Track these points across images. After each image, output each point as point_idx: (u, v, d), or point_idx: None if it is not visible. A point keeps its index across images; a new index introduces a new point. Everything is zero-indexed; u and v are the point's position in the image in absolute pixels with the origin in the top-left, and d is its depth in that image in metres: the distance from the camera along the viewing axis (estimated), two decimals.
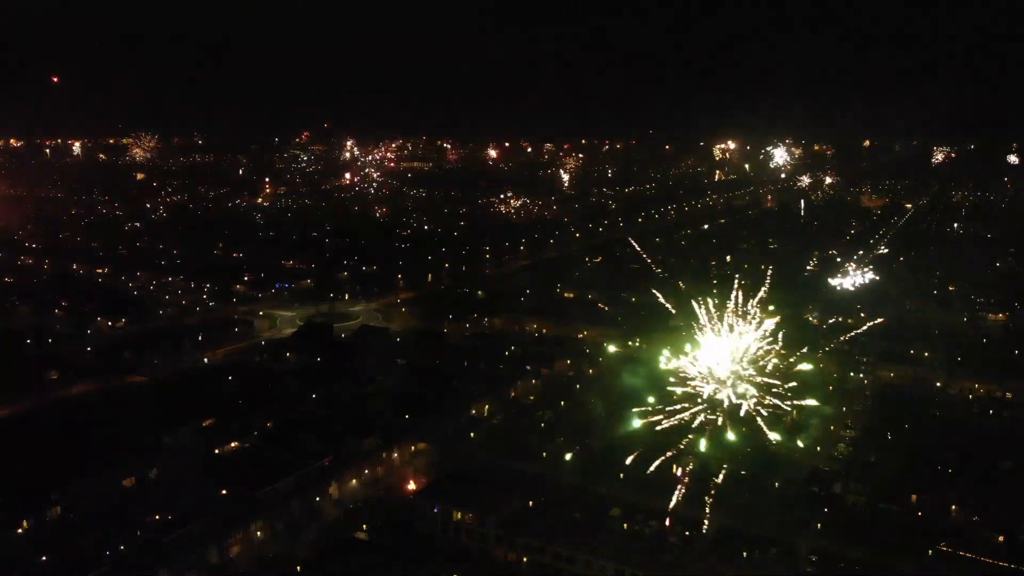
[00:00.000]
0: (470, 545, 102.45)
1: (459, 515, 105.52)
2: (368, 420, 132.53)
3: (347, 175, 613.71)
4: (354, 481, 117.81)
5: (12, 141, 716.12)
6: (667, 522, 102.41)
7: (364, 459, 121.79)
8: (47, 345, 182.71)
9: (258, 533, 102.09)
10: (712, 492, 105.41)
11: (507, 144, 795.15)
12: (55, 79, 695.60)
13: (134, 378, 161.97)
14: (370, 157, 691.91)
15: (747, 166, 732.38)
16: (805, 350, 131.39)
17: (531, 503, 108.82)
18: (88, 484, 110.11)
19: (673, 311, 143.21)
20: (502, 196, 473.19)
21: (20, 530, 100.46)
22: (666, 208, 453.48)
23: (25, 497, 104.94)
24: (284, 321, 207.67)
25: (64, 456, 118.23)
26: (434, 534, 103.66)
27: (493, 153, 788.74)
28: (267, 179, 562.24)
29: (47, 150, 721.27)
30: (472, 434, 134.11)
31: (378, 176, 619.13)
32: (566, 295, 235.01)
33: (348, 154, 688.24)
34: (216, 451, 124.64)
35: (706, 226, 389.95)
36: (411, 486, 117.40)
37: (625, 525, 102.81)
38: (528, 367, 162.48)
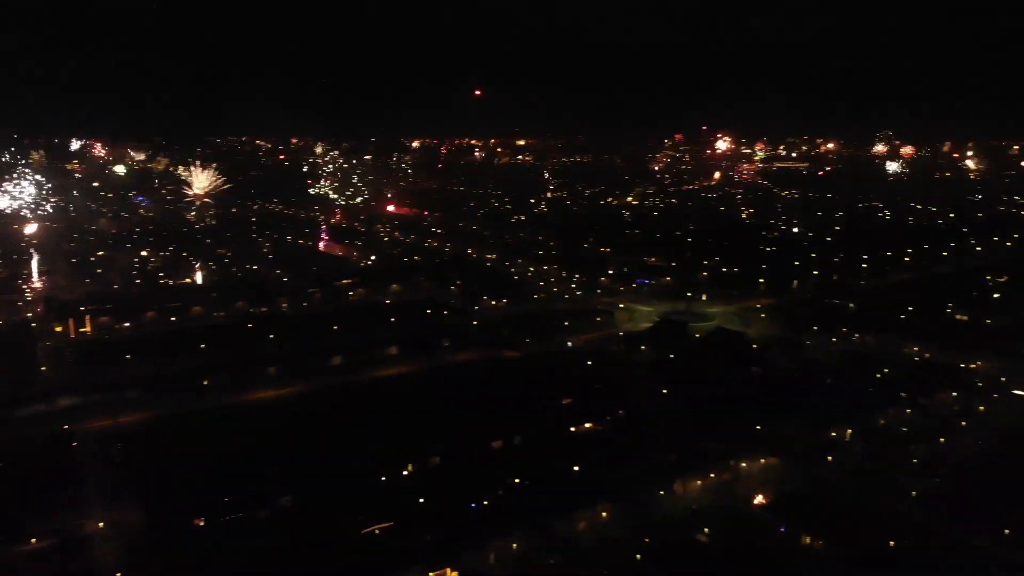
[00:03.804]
0: (814, 573, 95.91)
1: (807, 539, 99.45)
2: (717, 424, 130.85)
3: (716, 175, 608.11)
4: (699, 482, 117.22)
5: (429, 141, 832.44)
6: None
7: (710, 462, 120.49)
8: (442, 316, 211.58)
9: (603, 514, 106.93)
10: None
11: (897, 142, 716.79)
12: (477, 91, 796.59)
13: (509, 353, 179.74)
14: (742, 157, 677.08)
15: None
16: None
17: (891, 543, 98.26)
18: (463, 440, 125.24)
19: None
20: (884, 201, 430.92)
21: (405, 472, 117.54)
22: None
23: (410, 445, 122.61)
24: (642, 315, 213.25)
25: (445, 412, 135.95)
26: (776, 553, 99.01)
27: (881, 150, 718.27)
28: (637, 179, 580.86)
29: (454, 149, 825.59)
30: (829, 457, 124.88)
31: (748, 176, 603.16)
32: (958, 317, 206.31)
33: (719, 154, 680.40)
34: (572, 429, 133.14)
35: None
36: (758, 499, 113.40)
37: None
38: (903, 394, 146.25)
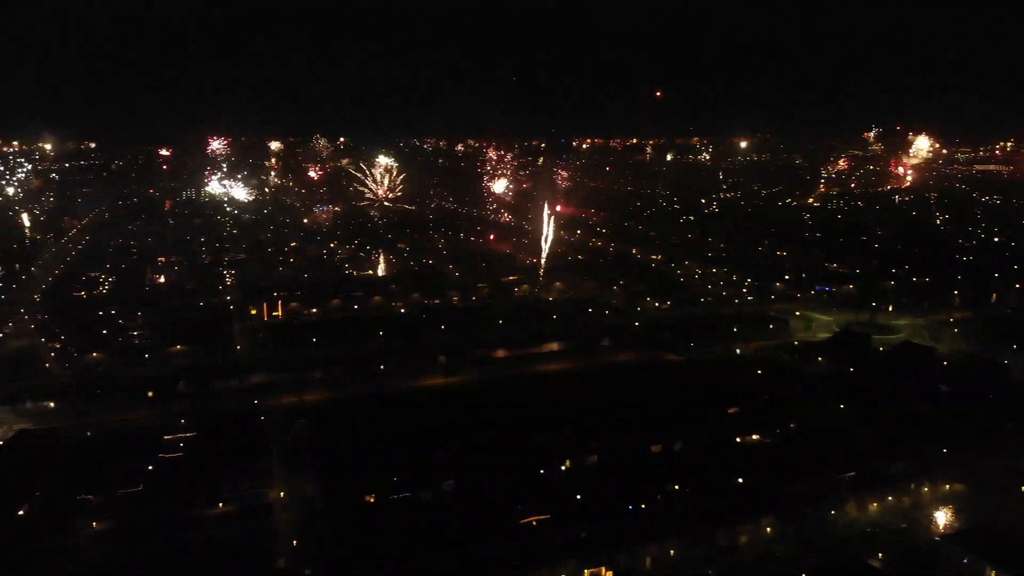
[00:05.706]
0: None
1: (992, 573, 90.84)
2: (898, 444, 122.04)
3: (909, 177, 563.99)
4: (875, 505, 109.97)
5: (599, 141, 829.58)
6: None
7: (889, 484, 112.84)
8: (603, 316, 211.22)
9: (767, 529, 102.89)
10: None
11: None
12: (659, 94, 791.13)
13: (670, 356, 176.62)
14: (939, 158, 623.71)
15: None
16: None
17: None
18: (622, 441, 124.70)
19: None
20: None
21: (563, 467, 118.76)
22: None
23: (569, 441, 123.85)
24: (820, 325, 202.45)
25: (604, 412, 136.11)
26: None
27: None
28: (820, 179, 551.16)
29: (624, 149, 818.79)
30: (1023, 488, 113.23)
31: (945, 180, 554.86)
32: None
33: (912, 155, 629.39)
34: (738, 439, 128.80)
35: None
36: (939, 526, 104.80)
37: None
38: None
